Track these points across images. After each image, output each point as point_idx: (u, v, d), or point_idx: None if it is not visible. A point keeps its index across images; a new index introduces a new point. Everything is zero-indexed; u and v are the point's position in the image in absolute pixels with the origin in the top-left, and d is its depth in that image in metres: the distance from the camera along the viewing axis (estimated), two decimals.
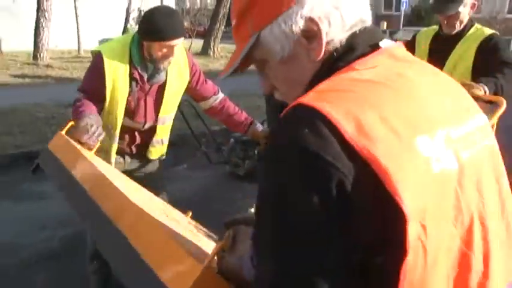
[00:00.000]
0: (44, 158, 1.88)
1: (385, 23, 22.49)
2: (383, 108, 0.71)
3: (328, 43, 0.81)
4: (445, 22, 2.62)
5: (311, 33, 0.80)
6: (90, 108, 2.14)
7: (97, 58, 2.22)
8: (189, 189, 4.57)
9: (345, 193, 0.65)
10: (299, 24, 0.79)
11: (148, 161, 2.55)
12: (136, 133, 2.42)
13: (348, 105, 0.71)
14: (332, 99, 0.71)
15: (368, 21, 0.85)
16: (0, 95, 7.89)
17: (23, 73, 10.85)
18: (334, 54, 0.81)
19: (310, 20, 0.79)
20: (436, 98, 0.80)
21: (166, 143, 2.56)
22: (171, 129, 2.60)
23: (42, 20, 12.38)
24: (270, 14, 0.80)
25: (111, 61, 2.21)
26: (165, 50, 2.18)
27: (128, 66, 2.24)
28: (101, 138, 1.98)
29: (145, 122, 2.38)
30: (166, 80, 2.32)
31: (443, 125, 0.76)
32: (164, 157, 2.66)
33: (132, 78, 2.26)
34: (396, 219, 0.66)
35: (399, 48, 0.85)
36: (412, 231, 0.66)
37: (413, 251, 0.67)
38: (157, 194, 2.50)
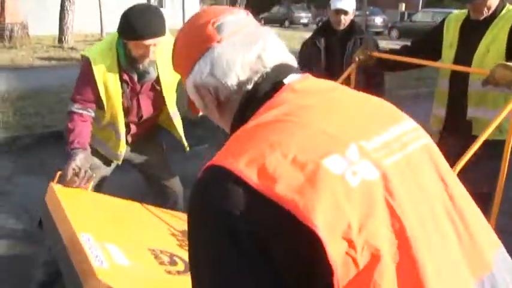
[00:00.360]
0: (43, 212, 2.00)
1: (404, 5, 21.99)
2: (285, 144, 0.76)
3: (225, 98, 0.95)
4: (473, 9, 2.54)
5: (202, 93, 0.96)
6: (81, 135, 2.22)
7: (85, 64, 2.23)
8: None
9: (262, 241, 0.70)
10: (192, 88, 0.97)
11: (148, 148, 2.62)
12: (133, 125, 2.48)
13: (250, 153, 0.76)
14: (236, 152, 0.77)
15: (269, 65, 0.93)
16: (28, 77, 8.12)
17: (49, 56, 11.12)
18: (241, 104, 0.93)
19: (195, 87, 0.96)
20: (344, 117, 0.85)
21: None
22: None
23: (66, 3, 12.59)
24: (183, 75, 1.01)
25: (99, 66, 2.21)
26: (141, 50, 2.16)
27: (117, 69, 2.24)
28: (91, 181, 2.16)
29: (141, 118, 2.44)
30: (158, 76, 2.32)
31: (355, 139, 0.80)
32: (165, 146, 2.74)
33: (122, 80, 2.27)
34: (317, 243, 0.68)
35: (301, 82, 0.92)
36: (333, 249, 0.68)
37: (343, 266, 0.69)
38: (168, 181, 2.64)
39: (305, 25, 29.34)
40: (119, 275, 1.52)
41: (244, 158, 0.75)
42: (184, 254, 1.84)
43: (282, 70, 0.94)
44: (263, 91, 0.91)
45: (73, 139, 2.22)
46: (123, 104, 2.33)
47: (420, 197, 0.81)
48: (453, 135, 2.74)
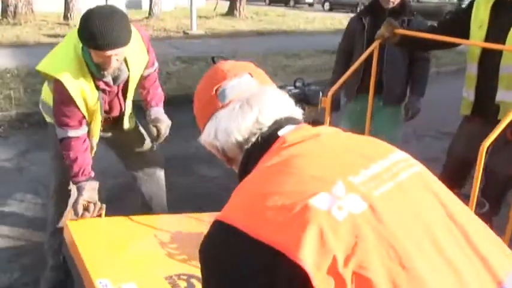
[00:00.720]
0: (64, 250, 2.18)
1: None
2: (276, 193, 0.84)
3: (231, 155, 1.08)
4: None
5: (213, 150, 1.11)
6: (84, 162, 2.23)
7: (59, 88, 2.12)
8: None
9: (262, 280, 0.79)
10: (206, 145, 1.12)
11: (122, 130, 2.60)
12: (107, 119, 2.48)
13: (246, 206, 0.87)
14: (235, 206, 0.90)
15: (266, 124, 1.03)
16: (36, 54, 8.08)
17: (55, 33, 11.06)
18: (242, 160, 1.05)
19: (208, 145, 1.10)
20: (331, 157, 0.94)
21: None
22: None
23: None
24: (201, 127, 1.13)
25: (74, 84, 2.11)
26: (101, 59, 2.05)
27: (91, 80, 2.16)
28: (101, 211, 2.22)
29: (117, 113, 2.44)
30: (129, 73, 2.28)
31: (342, 176, 0.87)
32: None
33: (98, 88, 2.21)
34: (306, 278, 0.75)
35: (293, 133, 1.01)
36: (319, 282, 0.74)
37: None
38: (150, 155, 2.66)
39: (310, 5, 29.07)
40: None
41: (240, 212, 0.87)
42: (197, 270, 1.92)
43: (278, 124, 1.04)
44: (260, 147, 1.02)
45: (77, 170, 2.23)
46: (104, 107, 2.31)
47: (415, 222, 0.85)
48: (481, 119, 2.72)
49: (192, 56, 8.25)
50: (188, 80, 6.44)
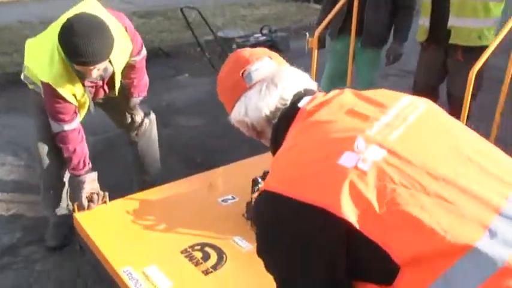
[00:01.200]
0: (79, 240, 2.29)
1: None
2: (308, 158, 0.99)
3: (260, 129, 1.23)
4: None
5: (242, 126, 1.26)
6: (82, 153, 2.30)
7: (49, 88, 2.15)
8: (195, 95, 4.71)
9: (312, 235, 0.93)
10: (235, 123, 1.27)
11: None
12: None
13: (285, 174, 1.00)
14: (275, 176, 1.03)
15: (288, 99, 1.18)
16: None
17: None
18: (272, 133, 1.19)
19: (237, 122, 1.25)
20: (346, 117, 1.05)
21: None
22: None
23: None
24: (227, 109, 1.29)
25: (61, 85, 2.14)
26: (81, 69, 2.08)
27: (78, 80, 2.19)
28: (105, 198, 2.31)
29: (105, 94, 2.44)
30: (113, 69, 2.28)
31: (360, 131, 0.99)
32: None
33: (85, 86, 2.25)
34: (350, 226, 0.88)
35: (311, 103, 1.14)
36: (361, 226, 0.88)
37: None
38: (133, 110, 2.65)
39: None
40: None
41: (283, 181, 1.00)
42: (208, 238, 2.11)
43: (297, 97, 1.18)
44: (285, 121, 1.16)
45: (77, 162, 2.30)
46: (91, 100, 2.35)
47: (429, 155, 0.96)
48: (435, 45, 3.12)
49: (148, 11, 8.01)
50: (149, 35, 6.30)
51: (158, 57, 5.70)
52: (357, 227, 0.88)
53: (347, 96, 1.13)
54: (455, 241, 0.84)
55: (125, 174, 2.92)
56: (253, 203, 2.13)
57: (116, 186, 2.43)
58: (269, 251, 1.04)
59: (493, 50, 2.24)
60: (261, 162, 2.61)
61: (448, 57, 3.14)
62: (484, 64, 2.25)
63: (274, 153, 1.16)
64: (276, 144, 1.16)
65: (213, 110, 4.32)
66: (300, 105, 1.15)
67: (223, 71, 1.30)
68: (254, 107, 1.19)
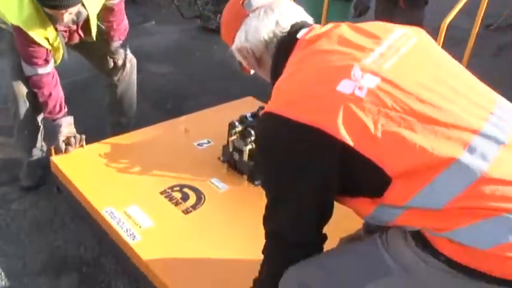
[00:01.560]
0: (57, 183, 2.35)
1: None
2: (308, 84, 1.07)
3: (259, 56, 1.30)
4: None
5: (243, 54, 1.33)
6: (58, 97, 2.29)
7: (20, 31, 2.11)
8: (162, 43, 4.66)
9: (309, 153, 1.04)
10: (236, 52, 1.34)
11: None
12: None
13: (285, 98, 1.10)
14: (276, 99, 1.12)
15: (286, 27, 1.26)
16: None
17: None
18: (272, 61, 1.28)
19: (238, 50, 1.32)
20: (342, 47, 1.13)
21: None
22: None
23: None
24: (229, 43, 1.37)
25: (33, 28, 2.10)
26: (52, 13, 2.03)
27: (50, 24, 2.14)
28: (83, 141, 2.35)
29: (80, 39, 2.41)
30: (88, 13, 2.22)
31: (356, 61, 1.07)
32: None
33: (58, 30, 2.20)
34: (343, 145, 1.00)
35: (309, 33, 1.22)
36: (358, 146, 0.99)
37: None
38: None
39: None
40: (152, 244, 1.83)
41: (282, 102, 1.09)
42: (186, 180, 2.20)
43: (295, 28, 1.26)
44: (284, 50, 1.24)
45: (53, 106, 2.30)
46: (65, 47, 2.32)
47: (418, 83, 1.06)
48: None
49: None
50: None
51: (126, 3, 5.53)
52: (353, 146, 0.99)
53: (344, 29, 1.21)
54: (441, 155, 0.96)
55: (96, 117, 2.92)
56: (229, 146, 2.23)
57: (88, 130, 2.44)
58: (266, 169, 1.17)
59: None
60: (236, 108, 2.69)
61: (396, 7, 3.34)
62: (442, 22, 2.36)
63: (273, 82, 1.23)
64: (275, 73, 1.25)
65: (180, 58, 4.33)
66: (298, 36, 1.24)
67: (226, 7, 1.38)
68: (254, 29, 1.27)
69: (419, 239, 1.05)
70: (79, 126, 2.42)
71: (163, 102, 3.53)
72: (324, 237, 1.20)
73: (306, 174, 1.07)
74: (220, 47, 4.59)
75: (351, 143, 0.99)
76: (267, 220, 1.20)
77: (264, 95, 3.00)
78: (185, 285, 1.65)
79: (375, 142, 0.99)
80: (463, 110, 1.03)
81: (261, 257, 1.29)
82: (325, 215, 1.15)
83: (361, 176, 1.06)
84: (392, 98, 1.02)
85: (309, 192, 1.09)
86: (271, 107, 1.11)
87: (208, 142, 2.50)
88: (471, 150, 0.97)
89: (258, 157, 1.21)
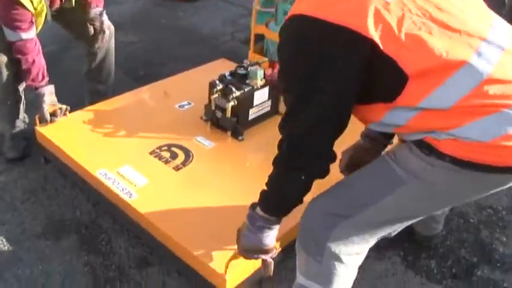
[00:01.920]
0: (44, 153, 2.41)
1: None
2: None
3: None
4: None
5: None
6: (41, 64, 2.29)
7: None
8: (128, 11, 4.63)
9: (339, 53, 1.11)
10: None
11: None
12: None
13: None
14: (302, 2, 1.16)
15: None
16: None
17: None
18: None
19: None
20: None
21: None
22: None
23: None
24: None
25: None
26: None
27: None
28: (67, 111, 2.40)
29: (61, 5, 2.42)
30: None
31: None
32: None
33: None
34: (373, 43, 1.09)
35: None
36: (384, 46, 1.09)
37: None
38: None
39: None
40: (148, 199, 1.93)
41: (310, 4, 1.14)
42: (172, 139, 2.30)
43: None
44: None
45: (36, 73, 2.31)
46: (49, 10, 2.31)
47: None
48: None
49: None
50: None
51: None
52: (380, 46, 1.08)
53: None
54: (454, 58, 1.10)
55: (72, 88, 2.95)
56: (212, 104, 2.33)
57: (64, 101, 2.47)
58: (292, 70, 1.20)
59: None
60: (211, 69, 2.80)
61: None
62: None
63: None
64: None
65: (146, 26, 4.34)
66: None
67: None
68: None
69: (424, 146, 1.18)
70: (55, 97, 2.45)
71: (135, 70, 3.57)
72: (334, 156, 1.27)
73: (333, 75, 1.13)
74: (185, 14, 4.62)
75: (378, 42, 1.08)
76: (286, 125, 1.25)
77: (233, 58, 3.12)
78: (186, 234, 1.78)
79: (397, 42, 1.09)
80: (472, 20, 1.16)
81: (250, 202, 1.41)
82: (342, 125, 1.21)
83: (381, 77, 1.14)
84: (415, 4, 1.12)
85: (333, 95, 1.15)
86: (298, 9, 1.15)
87: (189, 103, 2.60)
88: (479, 54, 1.11)
89: (284, 61, 1.20)
